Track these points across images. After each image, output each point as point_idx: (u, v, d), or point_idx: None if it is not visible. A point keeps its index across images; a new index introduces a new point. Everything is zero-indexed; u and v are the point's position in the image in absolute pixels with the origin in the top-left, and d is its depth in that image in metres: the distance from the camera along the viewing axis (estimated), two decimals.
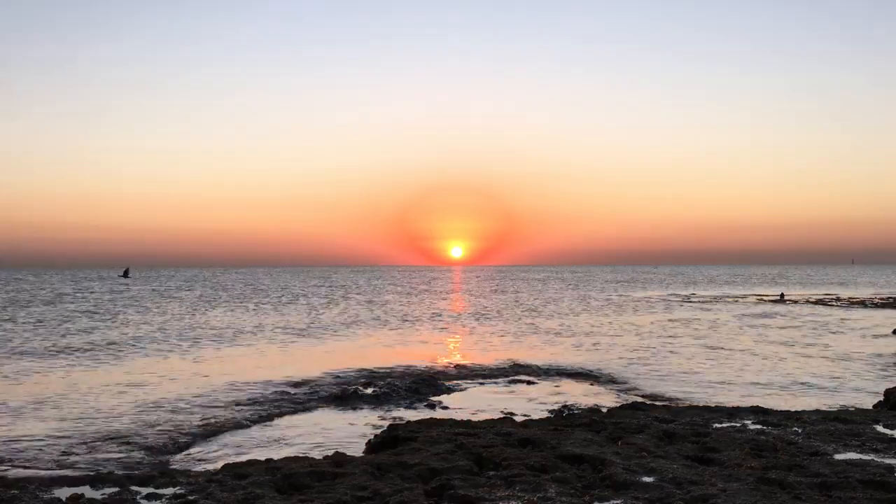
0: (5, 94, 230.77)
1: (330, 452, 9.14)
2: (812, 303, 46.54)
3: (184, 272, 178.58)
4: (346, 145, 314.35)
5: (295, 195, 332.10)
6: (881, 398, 13.24)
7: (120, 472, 8.27)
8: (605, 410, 12.19)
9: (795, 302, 47.45)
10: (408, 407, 13.53)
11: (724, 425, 10.18)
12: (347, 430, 11.55)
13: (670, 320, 33.89)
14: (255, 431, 11.70)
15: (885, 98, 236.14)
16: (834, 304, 45.65)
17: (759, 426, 10.15)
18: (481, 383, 16.12)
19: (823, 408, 12.68)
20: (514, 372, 17.92)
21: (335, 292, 65.66)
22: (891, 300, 47.80)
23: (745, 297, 55.59)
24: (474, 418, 11.49)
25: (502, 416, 11.82)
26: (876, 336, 26.04)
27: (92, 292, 62.90)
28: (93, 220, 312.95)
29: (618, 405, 12.60)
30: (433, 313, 39.61)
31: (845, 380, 16.52)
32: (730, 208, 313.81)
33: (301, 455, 9.38)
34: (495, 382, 16.18)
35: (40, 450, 10.04)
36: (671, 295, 58.92)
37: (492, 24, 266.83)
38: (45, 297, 55.67)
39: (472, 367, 18.91)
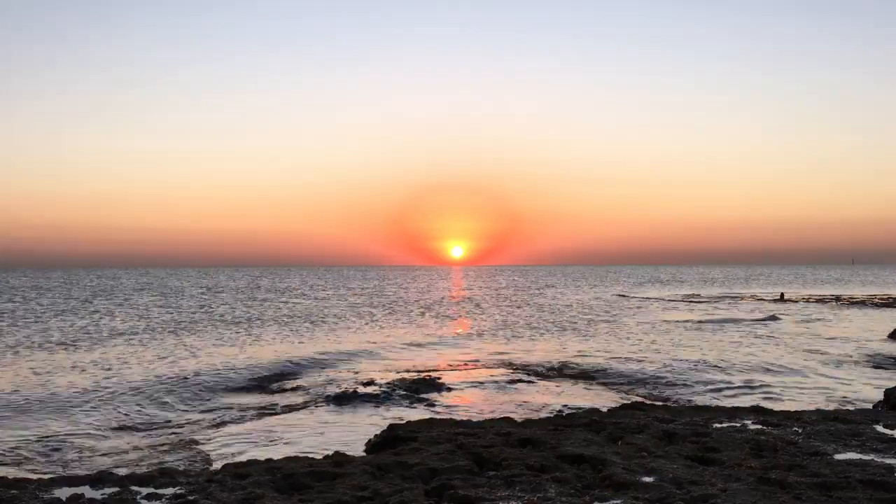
0: (3, 94, 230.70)
1: (330, 452, 9.14)
2: (812, 302, 46.52)
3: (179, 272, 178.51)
4: (346, 145, 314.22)
5: (295, 195, 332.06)
6: (881, 398, 13.25)
7: (120, 472, 8.27)
8: (605, 410, 12.19)
9: (795, 302, 47.44)
10: (408, 407, 13.52)
11: (724, 425, 10.19)
12: (347, 430, 11.54)
13: (670, 321, 33.89)
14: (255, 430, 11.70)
15: (885, 98, 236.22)
16: (833, 303, 45.65)
17: (759, 426, 10.15)
18: (481, 383, 16.11)
19: (823, 408, 12.68)
20: (514, 372, 17.92)
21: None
22: (890, 300, 47.80)
23: (744, 296, 55.58)
24: (474, 418, 11.50)
25: (502, 416, 11.82)
26: (875, 336, 26.05)
27: None
28: (93, 220, 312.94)
29: (618, 405, 12.60)
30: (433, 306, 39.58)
31: (845, 379, 16.52)
32: (731, 208, 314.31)
33: (301, 455, 9.38)
34: (495, 382, 16.17)
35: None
36: (671, 295, 58.92)
37: (492, 24, 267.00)
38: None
39: (473, 366, 18.90)
